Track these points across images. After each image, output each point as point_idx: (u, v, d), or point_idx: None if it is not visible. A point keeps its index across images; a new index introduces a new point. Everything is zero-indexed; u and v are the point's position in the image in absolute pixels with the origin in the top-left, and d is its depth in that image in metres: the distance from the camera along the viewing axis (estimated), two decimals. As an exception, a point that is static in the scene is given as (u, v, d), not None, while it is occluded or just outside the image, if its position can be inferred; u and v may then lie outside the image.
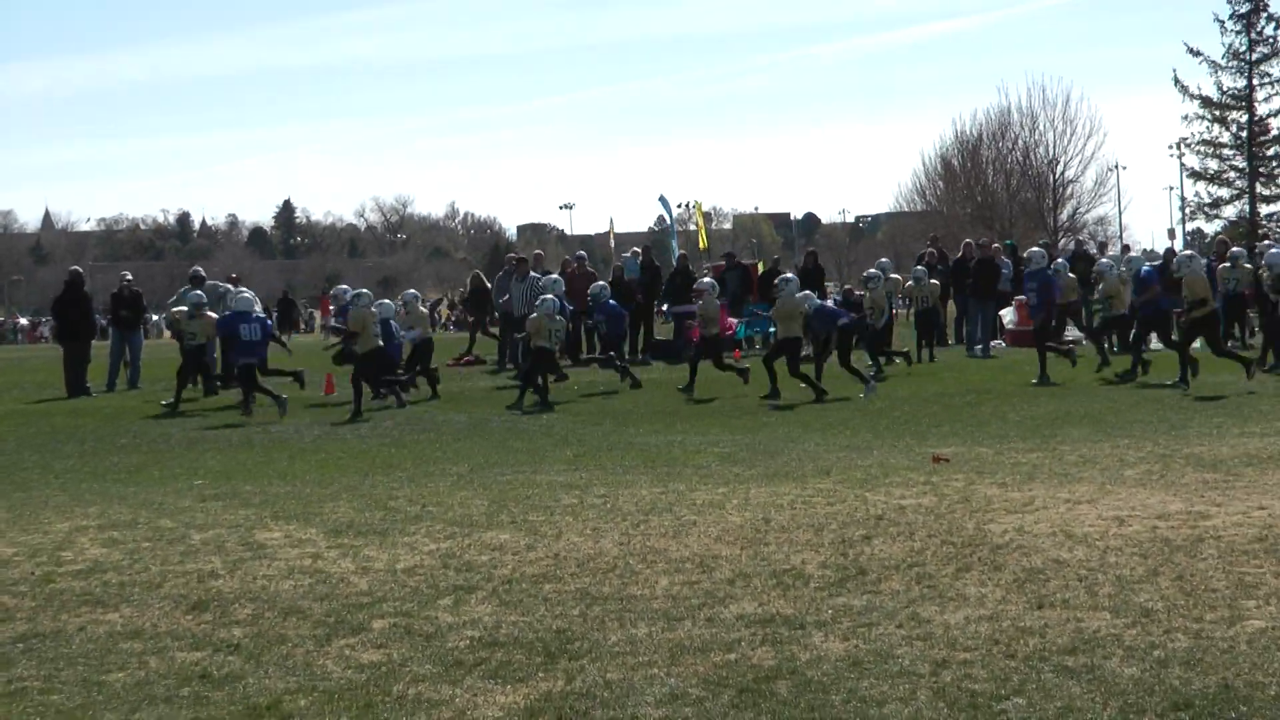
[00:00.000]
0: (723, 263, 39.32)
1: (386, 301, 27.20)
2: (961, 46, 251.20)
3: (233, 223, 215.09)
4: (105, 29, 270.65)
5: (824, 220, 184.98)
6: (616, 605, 9.01)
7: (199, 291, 27.79)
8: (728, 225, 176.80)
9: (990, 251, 35.65)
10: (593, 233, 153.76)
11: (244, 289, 28.06)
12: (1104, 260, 27.81)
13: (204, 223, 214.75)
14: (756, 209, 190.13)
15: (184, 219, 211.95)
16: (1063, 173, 73.54)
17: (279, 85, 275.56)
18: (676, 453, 16.64)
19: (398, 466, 16.34)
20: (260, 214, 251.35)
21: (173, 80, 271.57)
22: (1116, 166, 79.83)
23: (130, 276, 33.39)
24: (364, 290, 25.41)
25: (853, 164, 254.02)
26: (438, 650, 8.10)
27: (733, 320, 36.40)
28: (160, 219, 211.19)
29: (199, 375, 26.82)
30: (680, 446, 17.21)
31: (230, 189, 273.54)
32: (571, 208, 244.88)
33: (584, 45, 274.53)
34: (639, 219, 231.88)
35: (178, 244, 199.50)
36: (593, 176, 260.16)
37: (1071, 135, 73.19)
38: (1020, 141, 74.48)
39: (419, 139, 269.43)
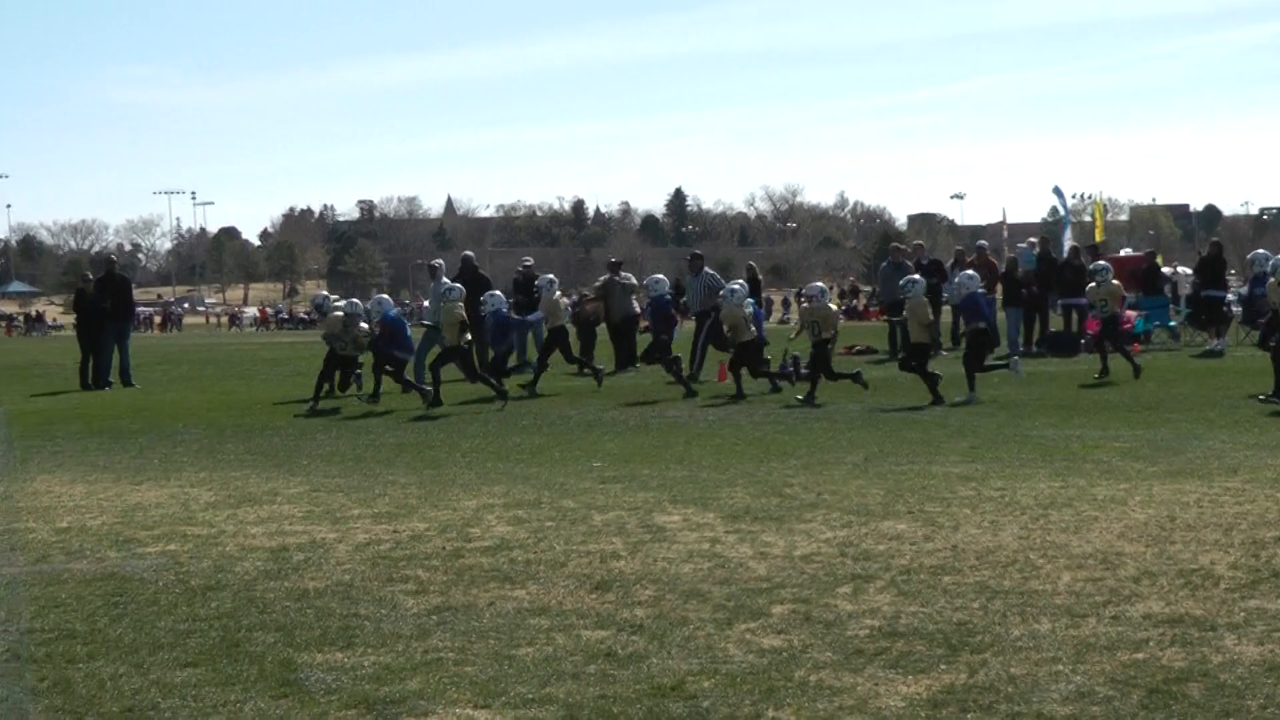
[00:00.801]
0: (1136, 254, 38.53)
1: (497, 293, 27.26)
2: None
3: (625, 210, 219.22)
4: (503, 21, 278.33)
5: (1225, 212, 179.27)
6: (1018, 599, 8.90)
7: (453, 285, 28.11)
8: (1124, 217, 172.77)
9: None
10: (984, 223, 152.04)
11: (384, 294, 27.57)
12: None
13: (598, 210, 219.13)
14: (1154, 200, 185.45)
15: (579, 206, 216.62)
16: None
17: (673, 73, 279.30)
18: (1075, 447, 16.34)
19: (792, 454, 16.41)
20: (652, 201, 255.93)
21: (570, 70, 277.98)
22: None
23: (531, 261, 34.23)
24: (457, 286, 25.89)
25: (1259, 153, 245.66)
26: (838, 638, 8.11)
27: (1131, 313, 35.64)
28: (556, 206, 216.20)
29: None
30: (1079, 440, 16.89)
31: (624, 177, 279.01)
32: (963, 197, 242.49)
33: (978, 33, 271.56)
34: (1032, 209, 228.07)
35: (572, 230, 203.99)
36: (985, 166, 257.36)
37: None
38: None
39: (810, 127, 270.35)
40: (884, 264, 34.05)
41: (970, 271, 25.84)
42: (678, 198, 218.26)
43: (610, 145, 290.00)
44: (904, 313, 24.28)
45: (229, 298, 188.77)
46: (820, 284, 26.04)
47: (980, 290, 24.09)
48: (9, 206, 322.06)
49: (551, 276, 29.32)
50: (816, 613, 8.71)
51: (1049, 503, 12.42)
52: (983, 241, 38.28)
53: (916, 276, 24.89)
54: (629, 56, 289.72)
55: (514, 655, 7.94)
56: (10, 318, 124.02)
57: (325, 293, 29.62)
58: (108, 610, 9.33)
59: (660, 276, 27.87)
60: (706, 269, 30.33)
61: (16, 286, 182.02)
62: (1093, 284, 26.74)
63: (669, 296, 27.20)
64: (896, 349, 32.03)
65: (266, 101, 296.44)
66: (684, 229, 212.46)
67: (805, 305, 24.99)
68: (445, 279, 29.61)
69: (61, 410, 25.29)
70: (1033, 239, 39.00)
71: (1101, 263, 28.15)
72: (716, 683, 7.33)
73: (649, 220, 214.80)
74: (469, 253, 34.28)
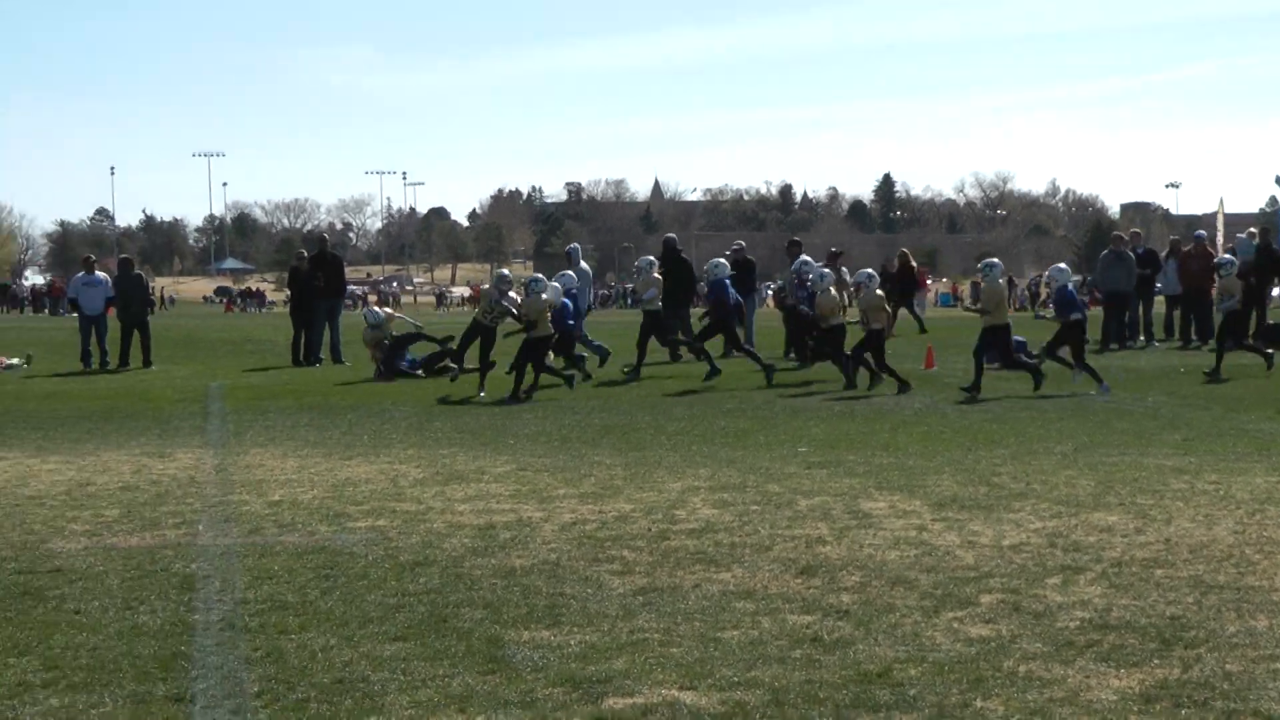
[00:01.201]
0: None
1: (570, 274, 26.98)
2: None
3: (833, 195, 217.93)
4: (712, 4, 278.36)
5: None
6: (1233, 595, 8.71)
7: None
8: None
9: None
10: (1199, 213, 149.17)
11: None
12: None
13: (805, 195, 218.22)
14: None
15: (786, 191, 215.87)
16: None
17: (883, 59, 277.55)
18: (1293, 441, 15.96)
19: (1000, 443, 16.21)
20: (860, 187, 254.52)
21: (778, 53, 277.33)
22: None
23: (742, 244, 34.07)
24: (539, 276, 25.71)
25: None
26: (1047, 629, 8.00)
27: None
28: (763, 190, 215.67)
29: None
30: (1297, 435, 16.50)
31: (832, 161, 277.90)
32: (1178, 186, 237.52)
33: (1194, 18, 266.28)
34: (1250, 199, 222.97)
35: (779, 215, 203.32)
36: (1202, 154, 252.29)
37: None
38: None
39: (1021, 114, 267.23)
40: (1105, 252, 33.56)
41: (1061, 265, 25.27)
42: (886, 184, 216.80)
43: (819, 130, 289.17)
44: (981, 301, 23.60)
45: (436, 277, 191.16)
46: (869, 270, 25.26)
47: (1071, 285, 23.43)
48: (225, 184, 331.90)
49: (652, 258, 28.15)
50: (1025, 603, 8.59)
51: (1266, 498, 12.14)
52: (1201, 231, 37.47)
53: (995, 260, 24.17)
54: (838, 41, 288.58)
55: (719, 638, 7.94)
56: (230, 294, 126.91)
57: (374, 304, 29.85)
58: (319, 583, 9.51)
59: (721, 261, 27.22)
60: (802, 256, 28.98)
61: (230, 263, 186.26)
62: (1217, 278, 26.19)
63: (728, 281, 26.58)
64: (1109, 339, 31.63)
65: (477, 83, 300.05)
66: (892, 215, 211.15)
67: (858, 294, 24.44)
68: (583, 262, 29.58)
69: (273, 385, 25.79)
70: (1252, 229, 38.09)
71: (1226, 256, 27.37)
72: (923, 671, 7.26)
73: (857, 206, 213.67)
74: (671, 235, 34.05)
